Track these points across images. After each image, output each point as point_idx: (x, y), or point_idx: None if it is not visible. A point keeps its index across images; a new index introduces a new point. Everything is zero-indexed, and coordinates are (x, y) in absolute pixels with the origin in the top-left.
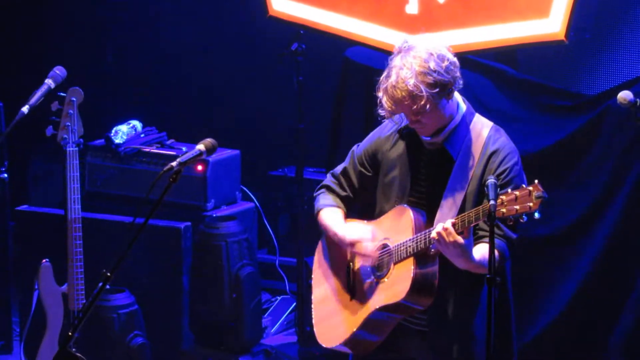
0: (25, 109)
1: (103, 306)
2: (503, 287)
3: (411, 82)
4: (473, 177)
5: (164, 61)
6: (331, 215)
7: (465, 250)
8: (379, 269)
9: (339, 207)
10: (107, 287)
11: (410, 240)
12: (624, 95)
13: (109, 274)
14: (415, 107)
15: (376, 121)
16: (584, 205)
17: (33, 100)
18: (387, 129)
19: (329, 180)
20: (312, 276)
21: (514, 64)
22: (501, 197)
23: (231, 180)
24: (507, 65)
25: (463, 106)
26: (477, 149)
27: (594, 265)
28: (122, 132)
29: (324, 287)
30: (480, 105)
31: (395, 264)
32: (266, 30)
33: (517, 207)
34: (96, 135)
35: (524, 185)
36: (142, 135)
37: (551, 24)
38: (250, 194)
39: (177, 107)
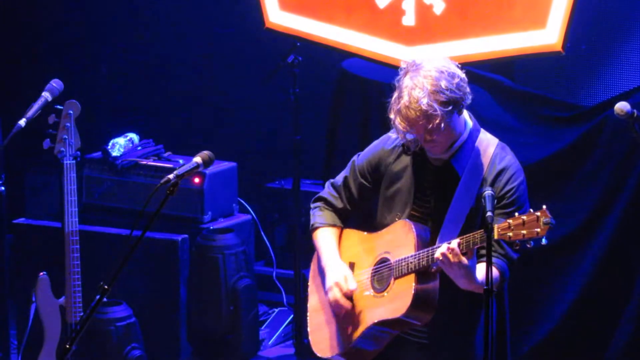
0: (22, 122)
1: (100, 319)
2: (500, 303)
3: (425, 101)
4: (479, 196)
5: (161, 74)
6: (325, 239)
7: (469, 271)
8: (379, 283)
9: (334, 225)
10: (105, 299)
11: (412, 256)
12: (621, 106)
13: (106, 287)
14: (430, 126)
15: (372, 133)
16: (581, 216)
17: (30, 113)
18: (390, 140)
19: (326, 192)
20: (309, 283)
21: (510, 75)
22: (508, 221)
23: (228, 193)
24: (504, 77)
25: (470, 122)
26: (483, 166)
27: (592, 276)
28: (119, 145)
29: (320, 295)
30: (477, 116)
31: (395, 278)
32: (263, 42)
33: (524, 232)
34: (93, 148)
35: (531, 210)
36: (139, 148)
37: (548, 35)
38: (247, 206)
39: (174, 119)
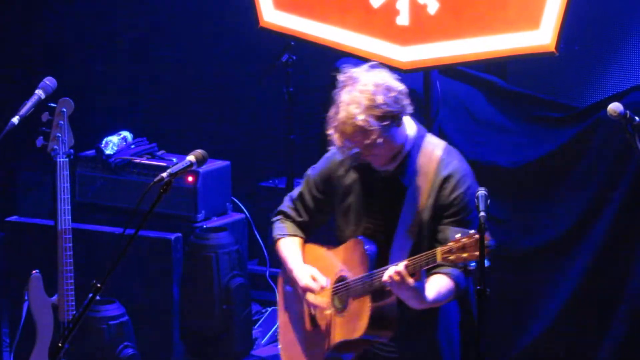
0: (15, 119)
1: (93, 317)
2: (467, 309)
3: (360, 117)
4: (427, 205)
5: (154, 72)
6: (288, 248)
7: (418, 293)
8: (338, 302)
9: (295, 235)
10: (97, 298)
11: (366, 277)
12: (614, 107)
13: (99, 285)
14: (367, 141)
15: None
16: (573, 217)
17: (23, 110)
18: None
19: (285, 205)
20: (277, 299)
21: (504, 75)
22: (450, 244)
23: (222, 192)
24: (497, 77)
25: (412, 130)
26: (429, 174)
27: (584, 276)
28: (112, 143)
29: (288, 312)
30: (469, 116)
31: (352, 298)
32: (257, 41)
33: (465, 255)
34: (87, 146)
35: (471, 232)
36: (133, 146)
37: (541, 35)
38: (240, 205)
39: (168, 118)
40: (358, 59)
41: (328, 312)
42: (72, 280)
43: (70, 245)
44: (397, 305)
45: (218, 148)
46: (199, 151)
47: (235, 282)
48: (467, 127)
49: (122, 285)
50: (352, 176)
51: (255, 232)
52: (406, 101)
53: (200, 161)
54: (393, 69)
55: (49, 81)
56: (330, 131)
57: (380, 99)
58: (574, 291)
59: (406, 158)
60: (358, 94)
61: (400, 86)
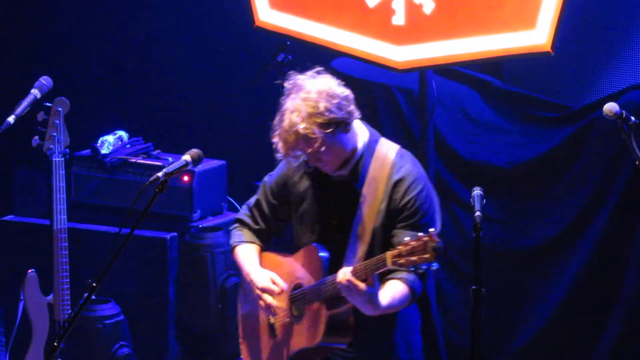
0: (11, 119)
1: (89, 317)
2: (426, 309)
3: (302, 125)
4: (380, 210)
5: (150, 72)
6: (245, 254)
7: (371, 298)
8: (296, 310)
9: (253, 242)
10: (93, 297)
11: (320, 283)
12: (610, 107)
13: (94, 285)
14: (310, 149)
15: None
16: (570, 216)
17: (19, 110)
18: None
19: (242, 213)
20: (238, 306)
21: (499, 75)
22: (399, 247)
23: (217, 191)
24: (493, 77)
25: (365, 135)
26: (381, 179)
27: (580, 277)
28: (108, 143)
29: (249, 320)
30: (465, 116)
31: (308, 306)
32: (253, 40)
33: (415, 258)
34: (82, 145)
35: (420, 235)
36: (128, 146)
37: (537, 35)
38: (236, 204)
39: (164, 117)
40: (354, 59)
41: (287, 320)
42: (68, 280)
43: (66, 244)
44: (353, 311)
45: (214, 147)
46: (194, 150)
47: (231, 282)
48: (463, 127)
49: (117, 285)
50: (306, 183)
51: None
52: (352, 107)
53: (195, 160)
54: (389, 68)
55: (45, 80)
56: (274, 139)
57: (322, 106)
58: (570, 291)
59: (359, 163)
60: (300, 102)
61: (345, 92)
